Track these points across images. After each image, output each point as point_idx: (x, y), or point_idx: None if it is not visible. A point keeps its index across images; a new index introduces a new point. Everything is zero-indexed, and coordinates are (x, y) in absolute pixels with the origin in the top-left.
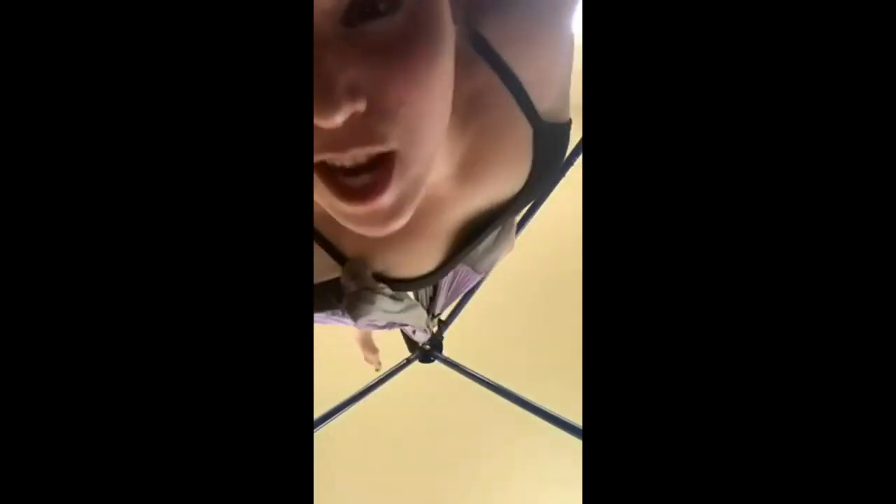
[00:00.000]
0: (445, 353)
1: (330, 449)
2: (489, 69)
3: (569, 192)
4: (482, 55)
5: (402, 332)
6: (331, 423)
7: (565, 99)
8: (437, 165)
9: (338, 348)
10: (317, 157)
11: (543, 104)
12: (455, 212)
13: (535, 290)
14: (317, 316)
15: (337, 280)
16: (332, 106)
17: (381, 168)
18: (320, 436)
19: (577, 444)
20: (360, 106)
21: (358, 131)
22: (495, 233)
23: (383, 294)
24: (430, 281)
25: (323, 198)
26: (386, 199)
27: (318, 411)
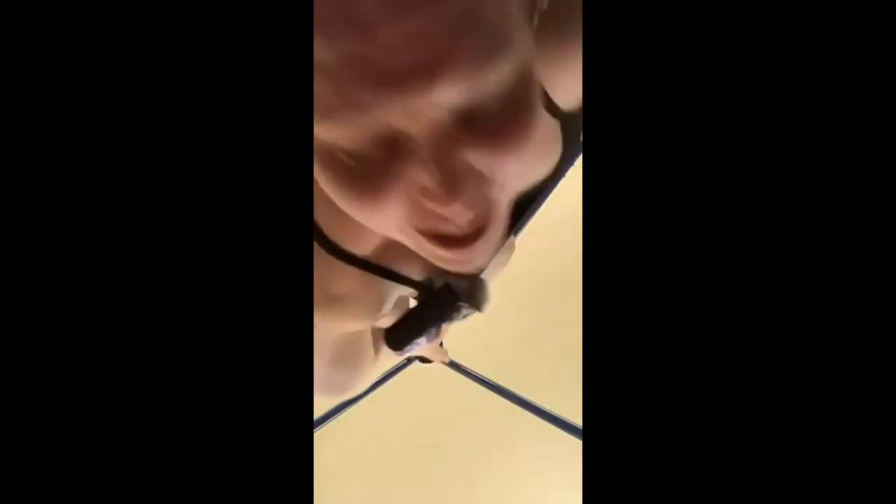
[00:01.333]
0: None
1: (330, 449)
2: None
3: (569, 193)
4: None
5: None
6: (331, 423)
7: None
8: None
9: None
10: (424, 225)
11: (562, 97)
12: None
13: (534, 290)
14: (404, 348)
15: (421, 304)
16: (455, 195)
17: (480, 218)
18: (320, 436)
19: (577, 444)
20: (478, 189)
21: (469, 204)
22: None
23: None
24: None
25: (420, 247)
26: (480, 245)
27: (318, 411)
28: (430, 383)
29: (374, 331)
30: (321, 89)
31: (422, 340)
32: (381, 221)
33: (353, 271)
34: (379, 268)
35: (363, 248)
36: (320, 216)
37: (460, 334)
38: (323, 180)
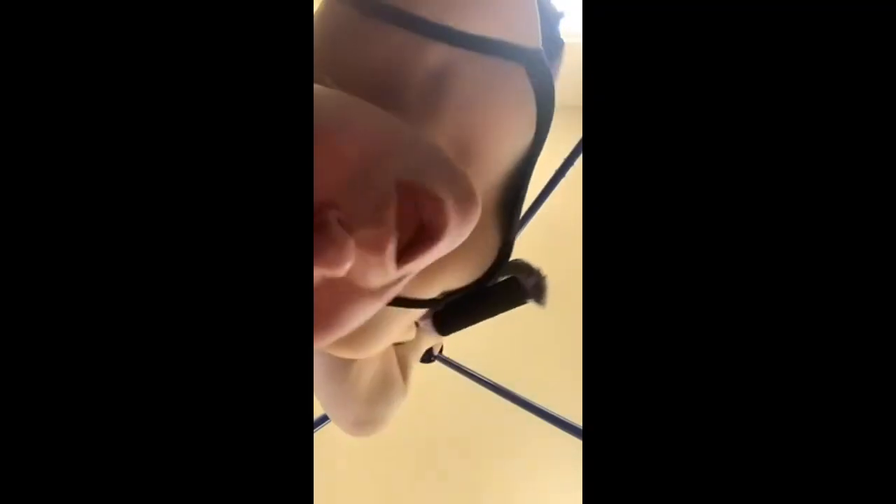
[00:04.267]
0: (445, 352)
1: (330, 449)
2: (438, 43)
3: (569, 193)
4: (425, 34)
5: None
6: (331, 423)
7: (545, 18)
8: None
9: None
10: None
11: (524, 38)
12: (482, 190)
13: None
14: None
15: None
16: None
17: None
18: (320, 436)
19: (577, 444)
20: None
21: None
22: None
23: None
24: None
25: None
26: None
27: (319, 411)
28: (430, 383)
29: (399, 359)
30: None
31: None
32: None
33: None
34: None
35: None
36: None
37: (460, 334)
38: None
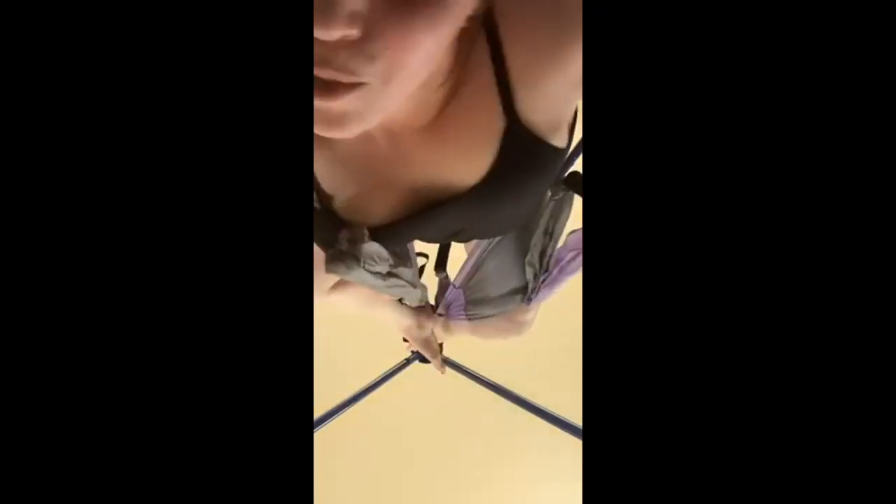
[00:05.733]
0: (445, 352)
1: (330, 449)
2: (486, 43)
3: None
4: (484, 27)
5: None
6: (331, 423)
7: (559, 124)
8: (411, 111)
9: (338, 348)
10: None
11: (528, 109)
12: (416, 169)
13: None
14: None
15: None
16: (330, 22)
17: (349, 94)
18: (320, 436)
19: (577, 444)
20: (354, 33)
21: (344, 55)
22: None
23: (364, 269)
24: (386, 237)
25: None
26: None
27: (318, 411)
28: (430, 383)
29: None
30: None
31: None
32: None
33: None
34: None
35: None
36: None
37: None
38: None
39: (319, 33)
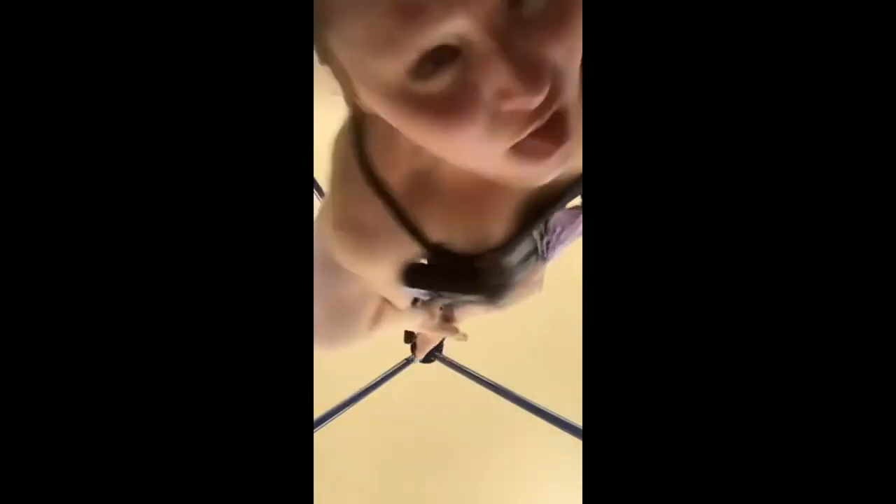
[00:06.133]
0: (445, 353)
1: (330, 449)
2: None
3: None
4: None
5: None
6: (331, 423)
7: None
8: None
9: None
10: (510, 129)
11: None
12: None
13: None
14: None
15: (426, 264)
16: (540, 86)
17: (557, 125)
18: (320, 436)
19: (577, 444)
20: (553, 71)
21: (546, 101)
22: None
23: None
24: (499, 257)
25: (493, 163)
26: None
27: (318, 411)
28: (430, 383)
29: (380, 307)
30: (372, 22)
31: (425, 297)
32: (471, 147)
33: (377, 204)
34: (400, 208)
35: (395, 183)
36: (368, 140)
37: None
38: (403, 121)
39: (530, 102)
